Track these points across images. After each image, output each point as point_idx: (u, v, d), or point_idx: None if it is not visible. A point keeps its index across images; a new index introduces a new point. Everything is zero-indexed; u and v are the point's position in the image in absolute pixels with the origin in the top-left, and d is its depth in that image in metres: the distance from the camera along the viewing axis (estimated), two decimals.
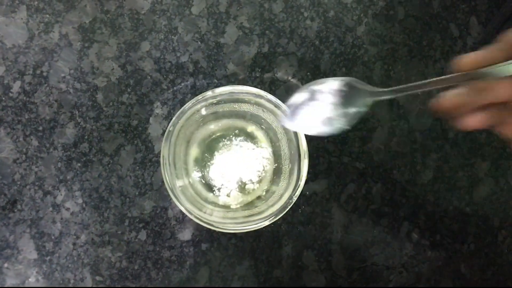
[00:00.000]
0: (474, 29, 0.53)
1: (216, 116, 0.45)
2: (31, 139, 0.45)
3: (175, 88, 0.47)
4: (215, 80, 0.48)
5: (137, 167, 0.46)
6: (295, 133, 0.41)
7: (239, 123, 0.46)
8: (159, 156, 0.44)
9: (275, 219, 0.40)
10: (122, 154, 0.46)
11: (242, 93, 0.42)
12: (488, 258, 0.53)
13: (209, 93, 0.40)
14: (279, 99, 0.41)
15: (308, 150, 0.41)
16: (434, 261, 0.51)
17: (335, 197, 0.49)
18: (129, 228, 0.46)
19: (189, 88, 0.47)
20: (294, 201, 0.40)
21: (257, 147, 0.45)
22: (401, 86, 0.31)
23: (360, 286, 0.50)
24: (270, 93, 0.41)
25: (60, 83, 0.46)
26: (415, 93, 0.31)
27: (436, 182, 0.51)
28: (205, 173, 0.45)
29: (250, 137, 0.46)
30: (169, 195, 0.40)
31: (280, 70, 0.49)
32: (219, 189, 0.45)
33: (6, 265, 0.45)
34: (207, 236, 0.47)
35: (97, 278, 0.46)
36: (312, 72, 0.49)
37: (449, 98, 0.30)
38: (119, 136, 0.46)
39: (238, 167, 0.45)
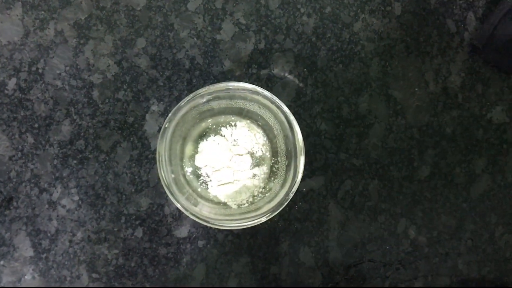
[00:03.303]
0: (471, 25, 0.53)
1: (212, 113, 0.45)
2: (27, 136, 0.45)
3: (171, 84, 0.47)
4: (212, 77, 0.48)
5: (133, 164, 0.46)
6: (292, 130, 0.41)
7: (236, 119, 0.46)
8: (155, 153, 0.44)
9: (271, 216, 0.40)
10: (118, 151, 0.46)
11: (238, 89, 0.41)
12: (485, 254, 0.53)
13: (205, 90, 0.40)
14: (276, 96, 0.41)
15: (305, 147, 0.41)
16: (431, 258, 0.51)
17: (332, 193, 0.49)
18: (125, 225, 0.46)
19: (185, 84, 0.47)
20: (290, 197, 0.40)
21: (249, 130, 0.45)
22: None
23: (357, 283, 0.50)
24: (266, 90, 0.41)
25: (56, 80, 0.46)
26: None
27: (433, 178, 0.51)
28: (195, 165, 0.45)
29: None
30: (165, 192, 0.40)
31: (277, 66, 0.49)
32: (206, 182, 0.45)
33: (2, 262, 0.45)
34: (204, 233, 0.47)
35: (94, 275, 0.46)
36: (309, 68, 0.49)
37: None
38: (115, 133, 0.46)
39: (228, 154, 0.44)
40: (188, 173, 0.45)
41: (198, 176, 0.45)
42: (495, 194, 0.53)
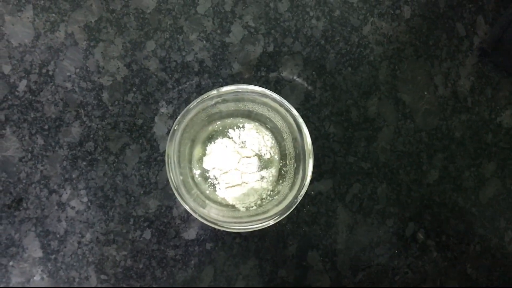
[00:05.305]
0: (481, 28, 0.52)
1: (221, 115, 0.45)
2: (37, 138, 0.45)
3: (180, 87, 0.47)
4: (220, 80, 0.48)
5: (142, 166, 0.46)
6: (301, 133, 0.41)
7: (244, 121, 0.46)
8: (164, 155, 0.44)
9: (280, 219, 0.40)
10: (127, 153, 0.46)
11: (247, 92, 0.41)
12: (494, 259, 0.52)
13: (214, 92, 0.40)
14: (285, 99, 0.41)
15: (313, 150, 0.41)
16: (439, 262, 0.51)
17: (340, 197, 0.49)
18: (134, 227, 0.46)
19: (194, 87, 0.47)
20: (299, 200, 0.40)
21: (257, 132, 0.45)
22: None
23: (365, 286, 0.50)
24: (275, 92, 0.41)
25: (66, 82, 0.46)
26: None
27: (442, 182, 0.51)
28: (203, 167, 0.45)
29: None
30: (174, 194, 0.40)
31: (286, 69, 0.49)
32: (214, 185, 0.45)
33: (11, 263, 0.45)
34: (212, 235, 0.47)
35: (102, 276, 0.46)
36: (318, 71, 0.49)
37: None
38: (124, 135, 0.46)
39: (235, 156, 0.44)
40: (197, 175, 0.45)
41: (206, 178, 0.45)
42: (504, 199, 0.52)
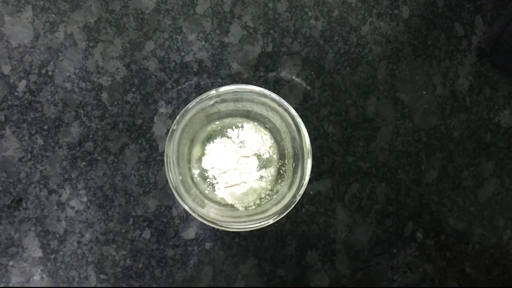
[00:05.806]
0: (479, 28, 0.52)
1: (220, 115, 0.45)
2: (36, 138, 0.46)
3: (179, 87, 0.47)
4: (219, 80, 0.48)
5: (142, 166, 0.47)
6: (299, 133, 0.41)
7: (243, 121, 0.46)
8: (163, 155, 0.45)
9: (278, 218, 0.40)
10: (126, 153, 0.47)
11: (246, 92, 0.42)
12: (493, 258, 0.52)
13: (213, 92, 0.40)
14: (283, 98, 0.41)
15: (312, 149, 0.41)
16: (438, 261, 0.51)
17: (339, 196, 0.49)
18: (133, 226, 0.46)
19: (193, 87, 0.47)
20: (297, 200, 0.40)
21: (256, 132, 0.45)
22: None
23: (364, 286, 0.50)
24: (274, 92, 0.41)
25: (65, 82, 0.46)
26: None
27: (441, 181, 0.51)
28: (202, 167, 0.45)
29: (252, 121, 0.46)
30: (173, 194, 0.40)
31: (284, 69, 0.49)
32: (213, 184, 0.45)
33: (11, 263, 0.45)
34: (211, 235, 0.47)
35: (102, 276, 0.46)
36: (317, 71, 0.49)
37: None
38: (123, 135, 0.47)
39: (234, 155, 0.44)
40: (196, 175, 0.45)
41: (205, 178, 0.45)
42: (503, 198, 0.52)
